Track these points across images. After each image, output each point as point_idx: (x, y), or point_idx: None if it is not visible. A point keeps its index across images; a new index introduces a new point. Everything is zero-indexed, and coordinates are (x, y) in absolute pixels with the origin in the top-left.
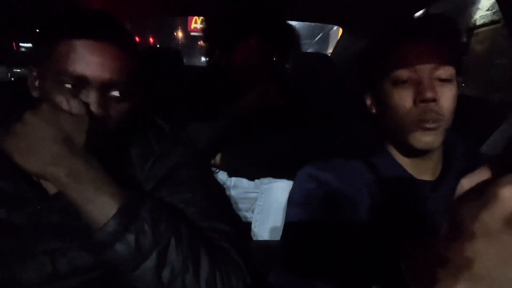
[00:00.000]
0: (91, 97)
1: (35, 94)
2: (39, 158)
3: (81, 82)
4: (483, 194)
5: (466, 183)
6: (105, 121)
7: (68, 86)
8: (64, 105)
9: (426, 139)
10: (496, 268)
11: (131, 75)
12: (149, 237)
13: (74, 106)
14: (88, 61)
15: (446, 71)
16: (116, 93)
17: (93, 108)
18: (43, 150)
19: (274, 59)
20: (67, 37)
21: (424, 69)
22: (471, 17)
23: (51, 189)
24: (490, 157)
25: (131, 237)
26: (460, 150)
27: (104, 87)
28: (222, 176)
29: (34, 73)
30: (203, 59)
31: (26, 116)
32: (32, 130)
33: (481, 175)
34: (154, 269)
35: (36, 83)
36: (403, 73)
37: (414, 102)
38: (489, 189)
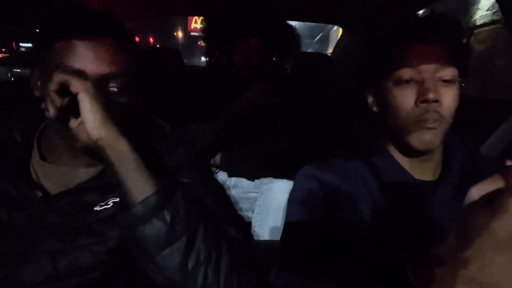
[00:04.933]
0: None
1: (37, 93)
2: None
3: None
4: (493, 204)
5: (476, 192)
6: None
7: None
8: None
9: (425, 139)
10: (503, 278)
11: (129, 70)
12: (182, 219)
13: None
14: (85, 56)
15: (449, 72)
16: (114, 88)
17: None
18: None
19: (274, 59)
20: (64, 35)
21: (427, 69)
22: (471, 17)
23: (52, 189)
24: (496, 164)
25: (167, 215)
26: (460, 150)
27: (101, 81)
28: (222, 176)
29: (37, 73)
30: (203, 59)
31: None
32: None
33: (491, 184)
34: (182, 252)
35: (38, 83)
36: (406, 73)
37: (416, 102)
38: (500, 199)
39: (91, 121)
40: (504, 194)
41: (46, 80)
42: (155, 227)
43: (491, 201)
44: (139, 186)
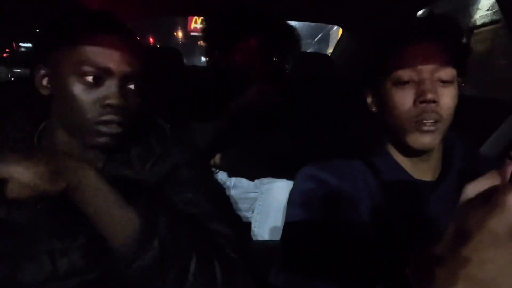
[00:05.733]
0: (114, 88)
1: (44, 92)
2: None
3: (104, 74)
4: (489, 201)
5: (471, 189)
6: (126, 111)
7: (89, 78)
8: (84, 99)
9: (423, 139)
10: (501, 275)
11: (143, 70)
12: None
13: (96, 97)
14: (111, 53)
15: (447, 73)
16: (132, 86)
17: (116, 99)
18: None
19: (274, 59)
20: (88, 33)
21: (426, 70)
22: (471, 17)
23: None
24: (496, 163)
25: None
26: (459, 150)
27: (124, 79)
28: (222, 176)
29: (43, 71)
30: (203, 59)
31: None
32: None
33: (487, 181)
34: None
35: (44, 82)
36: (405, 73)
37: (414, 103)
38: (496, 196)
39: (44, 179)
40: (500, 190)
41: (60, 77)
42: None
43: (487, 197)
44: (120, 224)
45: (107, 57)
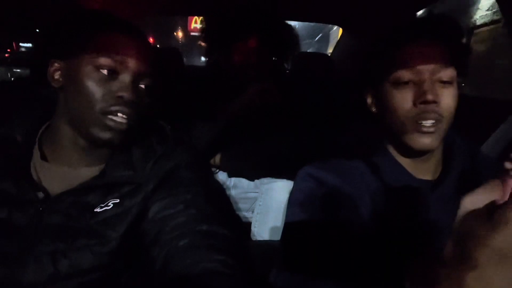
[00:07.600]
0: (127, 82)
1: (55, 84)
2: None
3: (119, 68)
4: (492, 217)
5: (470, 201)
6: (135, 108)
7: (104, 71)
8: (96, 90)
9: (424, 140)
10: None
11: (153, 72)
12: None
13: (108, 89)
14: (128, 49)
15: (447, 73)
16: (143, 86)
17: (128, 92)
18: None
19: (274, 59)
20: (109, 29)
21: (426, 70)
22: (471, 17)
23: (53, 190)
24: (496, 164)
25: None
26: (460, 150)
27: (138, 76)
28: (222, 176)
29: (57, 65)
30: (203, 59)
31: None
32: None
33: (485, 193)
34: None
35: (57, 75)
36: (405, 74)
37: (414, 104)
38: (499, 212)
39: None
40: (504, 206)
41: (74, 70)
42: None
43: (490, 212)
44: None
45: (124, 51)
